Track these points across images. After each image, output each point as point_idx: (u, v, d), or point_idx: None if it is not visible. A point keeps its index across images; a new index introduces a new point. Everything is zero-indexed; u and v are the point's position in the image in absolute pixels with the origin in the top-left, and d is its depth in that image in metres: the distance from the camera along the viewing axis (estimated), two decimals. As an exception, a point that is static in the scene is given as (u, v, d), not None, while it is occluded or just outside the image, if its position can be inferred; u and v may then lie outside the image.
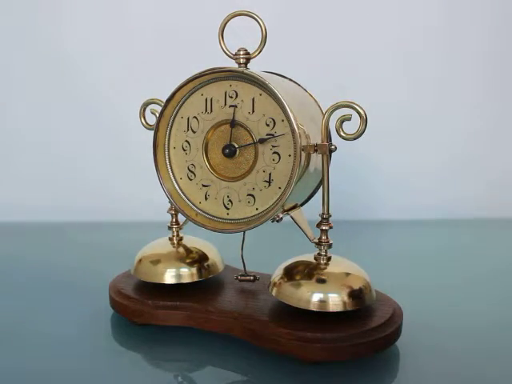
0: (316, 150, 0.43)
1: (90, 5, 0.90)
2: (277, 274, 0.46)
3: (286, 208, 0.44)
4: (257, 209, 0.45)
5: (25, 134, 0.94)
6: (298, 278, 0.44)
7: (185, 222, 0.53)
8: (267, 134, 0.43)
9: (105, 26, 0.91)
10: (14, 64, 0.92)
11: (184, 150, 0.47)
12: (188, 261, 0.50)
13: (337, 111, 0.43)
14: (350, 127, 0.43)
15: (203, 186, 0.47)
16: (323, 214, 0.45)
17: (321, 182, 0.45)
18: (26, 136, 0.95)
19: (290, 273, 0.45)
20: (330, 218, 0.45)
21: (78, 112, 0.94)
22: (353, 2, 0.90)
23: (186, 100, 0.47)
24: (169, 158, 0.48)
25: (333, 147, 0.43)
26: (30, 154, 0.95)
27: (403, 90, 0.91)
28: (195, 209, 0.48)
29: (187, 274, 0.50)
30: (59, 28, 0.91)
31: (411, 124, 0.93)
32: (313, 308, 0.42)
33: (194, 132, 0.47)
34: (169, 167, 0.48)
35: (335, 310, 0.42)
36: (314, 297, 0.42)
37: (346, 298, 0.42)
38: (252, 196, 0.45)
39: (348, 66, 0.90)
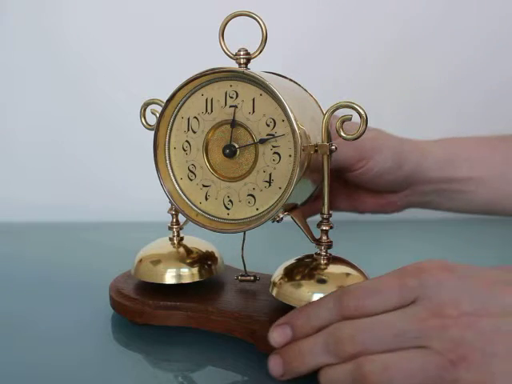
0: (316, 151, 0.43)
1: (91, 4, 0.90)
2: (277, 274, 0.46)
3: (286, 208, 0.44)
4: (257, 209, 0.45)
5: (25, 133, 0.94)
6: (298, 278, 0.44)
7: (185, 222, 0.53)
8: (268, 135, 0.43)
9: (105, 26, 0.91)
10: (16, 61, 0.92)
11: (184, 151, 0.47)
12: (188, 261, 0.50)
13: (337, 111, 0.43)
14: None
15: (203, 186, 0.47)
16: (323, 214, 0.45)
17: (321, 182, 0.45)
18: (27, 136, 0.95)
19: (291, 273, 0.45)
20: (331, 218, 0.45)
21: (78, 112, 0.94)
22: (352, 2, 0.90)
23: (186, 100, 0.47)
24: (169, 159, 0.48)
25: (333, 147, 0.43)
26: (29, 154, 0.95)
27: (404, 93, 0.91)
28: (195, 209, 0.48)
29: (187, 274, 0.50)
30: (61, 26, 0.91)
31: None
32: (313, 308, 0.42)
33: (194, 132, 0.47)
34: (169, 167, 0.48)
35: (335, 310, 0.42)
36: (314, 297, 0.42)
37: (346, 298, 0.42)
38: (252, 196, 0.45)
39: (349, 66, 0.90)
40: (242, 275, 0.51)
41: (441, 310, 0.34)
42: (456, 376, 0.33)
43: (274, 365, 0.38)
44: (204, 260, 0.51)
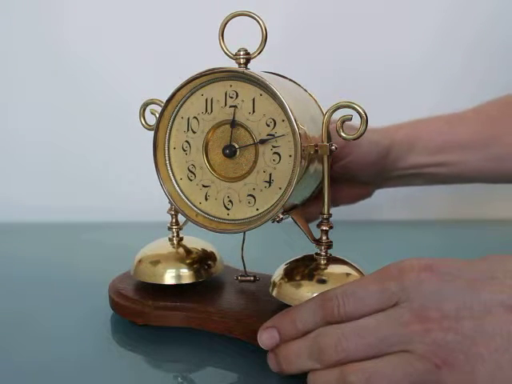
0: (316, 151, 0.43)
1: (91, 4, 0.90)
2: (277, 274, 0.46)
3: (286, 208, 0.44)
4: (257, 209, 0.45)
5: (24, 133, 0.94)
6: (298, 278, 0.44)
7: (185, 223, 0.53)
8: (268, 135, 0.43)
9: (106, 26, 0.91)
10: (16, 61, 0.92)
11: (184, 151, 0.47)
12: (188, 261, 0.50)
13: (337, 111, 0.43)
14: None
15: (203, 186, 0.47)
16: (323, 214, 0.45)
17: (321, 182, 0.45)
18: (26, 136, 0.95)
19: (291, 273, 0.44)
20: (331, 218, 0.45)
21: (78, 112, 0.94)
22: (353, 3, 0.90)
23: (186, 100, 0.46)
24: (169, 159, 0.48)
25: (333, 147, 0.43)
26: (30, 154, 0.95)
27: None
28: (195, 209, 0.48)
29: (187, 275, 0.50)
30: (61, 26, 0.91)
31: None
32: (313, 308, 0.42)
33: (194, 132, 0.47)
34: (169, 168, 0.48)
35: (335, 311, 0.42)
36: (314, 297, 0.42)
37: (346, 299, 0.42)
38: (252, 196, 0.45)
39: (349, 66, 0.90)
40: (241, 275, 0.51)
41: (423, 313, 0.34)
42: (440, 379, 0.33)
43: (271, 363, 0.40)
44: (204, 260, 0.51)
